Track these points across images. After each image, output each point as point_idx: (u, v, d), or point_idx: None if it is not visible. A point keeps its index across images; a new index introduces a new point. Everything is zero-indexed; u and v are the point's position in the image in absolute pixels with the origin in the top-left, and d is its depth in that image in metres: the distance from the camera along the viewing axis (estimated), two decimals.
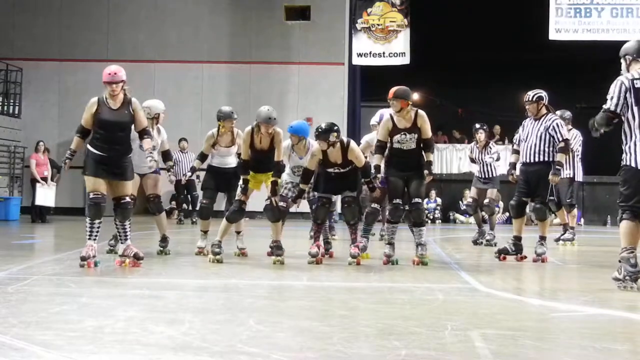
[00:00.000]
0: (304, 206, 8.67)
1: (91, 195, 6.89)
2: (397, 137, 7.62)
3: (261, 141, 7.63)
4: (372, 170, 7.67)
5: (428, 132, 7.65)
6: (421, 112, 7.70)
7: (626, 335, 4.34)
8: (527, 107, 8.40)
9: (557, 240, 11.02)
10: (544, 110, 8.34)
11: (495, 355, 3.66)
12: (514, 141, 9.01)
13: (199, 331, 4.12)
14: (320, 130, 7.57)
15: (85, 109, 7.02)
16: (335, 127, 7.56)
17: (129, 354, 3.60)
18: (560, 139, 8.16)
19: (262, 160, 7.68)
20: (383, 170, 7.68)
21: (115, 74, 6.93)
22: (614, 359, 3.75)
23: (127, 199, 7.04)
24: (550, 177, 8.12)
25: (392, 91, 7.66)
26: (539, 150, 8.23)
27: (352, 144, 7.71)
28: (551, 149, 8.22)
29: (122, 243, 7.12)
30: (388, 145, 7.70)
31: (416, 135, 7.61)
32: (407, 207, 7.80)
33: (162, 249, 8.31)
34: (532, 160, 8.27)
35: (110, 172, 6.95)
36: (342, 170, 7.65)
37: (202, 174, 8.77)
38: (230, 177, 8.32)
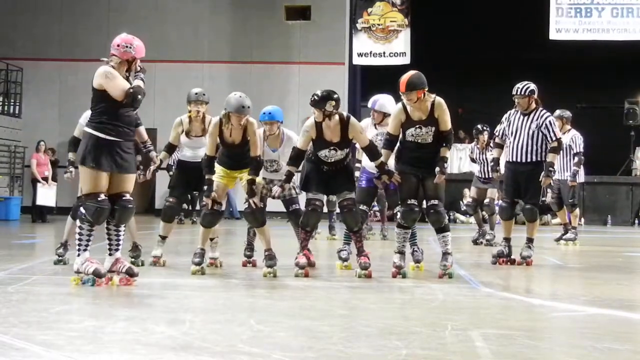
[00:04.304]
0: (279, 206, 7.58)
1: (100, 198, 5.65)
2: (410, 131, 6.60)
3: (231, 134, 6.60)
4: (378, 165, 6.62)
5: (447, 123, 6.59)
6: (439, 100, 6.62)
7: (626, 335, 4.34)
8: (517, 101, 7.87)
9: (558, 240, 11.02)
10: (533, 105, 7.88)
11: (495, 355, 3.67)
12: (496, 133, 8.40)
13: (199, 331, 4.12)
14: (315, 98, 6.49)
15: (103, 82, 5.67)
16: (335, 96, 6.48)
17: (130, 354, 3.60)
18: (554, 138, 7.74)
19: (235, 156, 6.69)
20: (395, 168, 6.72)
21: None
22: (615, 358, 3.75)
23: (128, 196, 5.82)
24: (542, 179, 7.66)
25: (402, 83, 6.54)
26: (531, 149, 7.78)
27: (354, 120, 6.66)
28: (543, 147, 7.78)
29: (110, 254, 5.87)
30: (400, 138, 6.71)
31: (433, 129, 6.57)
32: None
33: (133, 259, 7.14)
34: (522, 160, 7.81)
35: (120, 163, 5.74)
36: (337, 154, 6.61)
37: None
38: (203, 173, 6.84)
